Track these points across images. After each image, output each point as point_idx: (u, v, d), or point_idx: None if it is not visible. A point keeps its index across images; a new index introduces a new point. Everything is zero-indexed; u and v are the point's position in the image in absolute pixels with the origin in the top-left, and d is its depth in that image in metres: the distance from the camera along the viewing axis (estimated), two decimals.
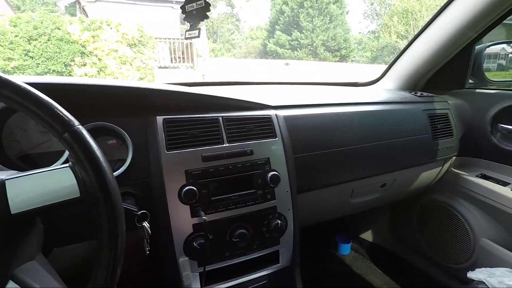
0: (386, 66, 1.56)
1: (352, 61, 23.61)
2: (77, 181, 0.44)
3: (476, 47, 1.35)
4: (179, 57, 9.28)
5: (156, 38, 8.40)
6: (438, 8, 1.24)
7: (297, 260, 0.92)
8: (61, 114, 0.42)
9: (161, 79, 8.18)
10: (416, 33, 1.35)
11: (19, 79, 0.42)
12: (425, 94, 1.35)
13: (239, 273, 0.84)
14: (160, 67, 8.73)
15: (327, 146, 0.97)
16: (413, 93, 1.36)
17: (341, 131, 1.01)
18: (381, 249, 1.76)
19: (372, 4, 26.88)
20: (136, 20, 7.79)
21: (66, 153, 0.69)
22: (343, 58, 22.60)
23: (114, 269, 0.43)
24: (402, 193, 1.41)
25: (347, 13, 23.05)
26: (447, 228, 1.40)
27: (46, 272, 0.47)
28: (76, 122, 0.43)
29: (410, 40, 1.38)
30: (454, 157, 1.38)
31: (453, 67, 1.38)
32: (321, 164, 0.97)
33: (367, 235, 1.85)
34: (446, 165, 1.38)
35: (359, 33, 29.95)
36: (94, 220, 0.44)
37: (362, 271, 1.64)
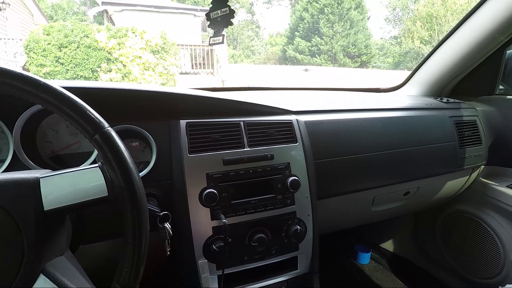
0: (408, 72, 1.53)
1: (373, 67, 23.20)
2: (105, 181, 0.46)
3: (508, 51, 1.30)
4: (199, 63, 9.49)
5: (178, 45, 8.65)
6: (465, 12, 1.20)
7: (316, 268, 0.90)
8: (92, 116, 0.44)
9: (182, 85, 8.37)
10: (441, 38, 1.32)
11: (56, 83, 0.44)
12: (451, 100, 1.31)
13: (257, 278, 0.84)
14: (181, 73, 8.96)
15: (349, 152, 0.96)
16: (438, 99, 1.32)
17: (363, 137, 0.99)
18: (402, 260, 1.70)
19: (394, 9, 26.38)
20: (159, 28, 8.06)
21: (94, 154, 0.72)
22: (363, 64, 22.25)
23: (137, 268, 0.44)
24: (426, 203, 1.36)
25: (368, 18, 22.76)
26: (475, 241, 1.34)
27: (74, 267, 0.49)
28: (106, 124, 0.45)
29: (435, 45, 1.34)
30: (482, 166, 1.32)
31: (482, 73, 1.33)
32: (342, 170, 0.96)
33: (388, 245, 1.79)
34: (474, 174, 1.32)
35: (381, 38, 29.46)
36: (119, 220, 0.45)
37: (382, 282, 1.59)
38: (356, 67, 21.28)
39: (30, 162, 0.65)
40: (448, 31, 1.27)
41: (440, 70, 1.35)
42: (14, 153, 0.65)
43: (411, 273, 1.63)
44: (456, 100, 1.32)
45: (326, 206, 0.96)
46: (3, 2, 8.32)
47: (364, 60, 22.10)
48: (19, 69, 0.43)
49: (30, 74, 0.42)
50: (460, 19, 1.21)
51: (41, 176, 0.45)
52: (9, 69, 0.41)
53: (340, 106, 1.05)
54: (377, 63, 24.41)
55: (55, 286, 0.43)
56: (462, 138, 1.19)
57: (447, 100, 1.31)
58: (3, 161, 0.66)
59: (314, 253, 0.89)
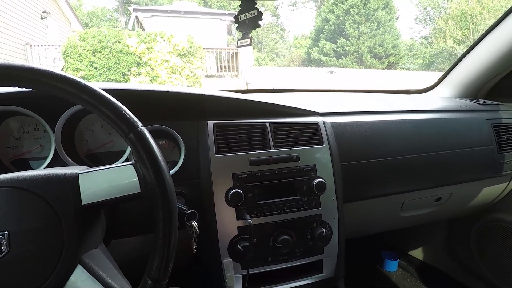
0: (440, 74, 1.46)
1: (401, 68, 22.38)
2: (138, 178, 0.48)
3: None
4: (224, 66, 9.63)
5: (204, 48, 8.83)
6: (504, 10, 1.13)
7: (342, 272, 0.88)
8: (128, 116, 0.47)
9: (207, 87, 8.53)
10: (477, 37, 1.25)
11: (95, 85, 0.47)
12: (488, 102, 1.23)
13: (281, 280, 0.84)
14: (206, 76, 9.14)
15: (377, 155, 0.93)
16: (474, 100, 1.25)
17: (392, 140, 0.96)
18: (433, 269, 1.62)
19: (425, 8, 25.31)
20: (186, 32, 8.28)
21: (127, 153, 0.75)
22: (391, 65, 21.52)
23: (167, 263, 0.45)
24: (460, 210, 1.29)
25: (397, 18, 22.01)
26: None
27: (107, 260, 0.52)
28: (140, 124, 0.47)
29: (471, 44, 1.27)
30: None
31: None
32: (370, 173, 0.93)
33: (417, 253, 1.71)
34: None
35: (410, 38, 28.34)
36: (149, 217, 0.47)
37: None
38: (383, 68, 20.63)
39: (69, 159, 0.70)
40: (485, 30, 1.21)
41: (477, 70, 1.28)
42: (55, 150, 0.69)
43: (442, 283, 1.55)
44: (494, 102, 1.24)
45: (353, 210, 0.94)
46: (44, 11, 8.93)
47: (392, 61, 21.36)
48: None
49: (72, 76, 0.45)
50: (499, 16, 1.15)
51: (80, 172, 0.48)
52: (55, 72, 0.44)
53: (368, 108, 1.03)
54: (406, 64, 23.51)
55: (90, 276, 0.45)
56: (501, 142, 1.12)
57: (484, 101, 1.23)
58: (45, 158, 0.70)
59: (339, 257, 0.87)
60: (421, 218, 1.20)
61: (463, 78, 1.34)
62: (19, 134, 0.75)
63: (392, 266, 1.66)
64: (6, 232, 0.41)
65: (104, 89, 0.47)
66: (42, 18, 9.03)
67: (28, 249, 0.42)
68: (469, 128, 1.09)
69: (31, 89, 0.45)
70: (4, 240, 0.41)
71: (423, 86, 1.52)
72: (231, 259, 0.76)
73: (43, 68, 0.43)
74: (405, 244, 1.76)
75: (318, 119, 0.89)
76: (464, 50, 1.32)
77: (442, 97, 1.38)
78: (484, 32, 1.21)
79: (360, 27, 20.41)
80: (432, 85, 1.48)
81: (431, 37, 23.18)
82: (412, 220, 1.18)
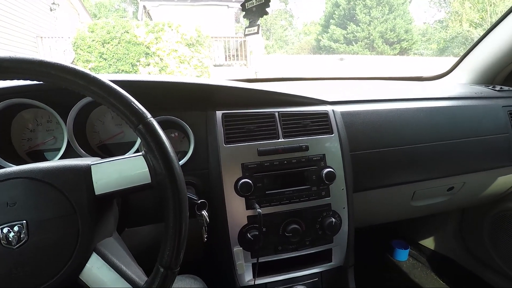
0: (455, 59, 1.41)
1: (414, 54, 21.73)
2: (148, 168, 0.49)
3: None
4: (233, 55, 9.54)
5: (212, 37, 8.75)
6: None
7: (351, 261, 0.89)
8: (137, 107, 0.47)
9: (216, 77, 8.50)
10: (495, 19, 1.19)
11: (104, 77, 0.47)
12: (505, 88, 1.19)
13: (291, 268, 0.85)
14: (215, 65, 9.08)
15: (387, 144, 0.92)
16: (490, 87, 1.21)
17: (403, 129, 0.95)
18: (444, 259, 1.61)
19: None
20: (194, 20, 8.21)
21: (137, 144, 0.76)
22: (404, 51, 20.89)
23: (178, 251, 0.46)
24: (473, 199, 1.27)
25: (410, 2, 21.25)
26: None
27: (121, 248, 0.53)
28: (149, 115, 0.48)
29: (488, 27, 1.22)
30: None
31: None
32: (381, 162, 0.92)
33: (428, 242, 1.70)
34: None
35: (424, 23, 27.38)
36: (160, 206, 0.48)
37: (421, 280, 1.52)
38: (395, 54, 20.07)
39: (82, 150, 0.71)
40: (504, 11, 1.15)
41: (493, 55, 1.23)
42: (68, 142, 0.71)
43: (454, 273, 1.54)
44: (511, 88, 1.20)
45: (363, 199, 0.93)
46: (53, 3, 8.97)
47: (405, 46, 20.71)
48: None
49: (81, 68, 0.45)
50: None
51: (92, 163, 0.49)
52: (64, 64, 0.44)
53: (379, 96, 1.01)
54: (419, 50, 22.80)
55: (105, 263, 0.47)
56: None
57: (501, 88, 1.19)
58: (59, 149, 0.72)
59: (349, 246, 0.87)
60: (433, 208, 1.18)
61: (479, 64, 1.29)
62: (33, 126, 0.76)
63: (402, 255, 1.66)
64: (24, 222, 0.43)
65: (113, 81, 0.47)
66: (51, 10, 9.08)
67: (46, 237, 0.43)
68: (485, 115, 1.06)
69: (42, 82, 0.45)
70: (23, 229, 0.42)
71: (437, 72, 1.48)
72: (241, 248, 0.77)
73: (53, 61, 0.44)
74: (416, 233, 1.75)
75: (328, 108, 0.88)
76: (481, 34, 1.26)
77: (457, 84, 1.34)
78: (502, 14, 1.16)
79: (371, 11, 19.81)
80: (446, 71, 1.44)
81: (446, 20, 22.33)
82: (424, 209, 1.17)
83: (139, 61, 7.72)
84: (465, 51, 1.35)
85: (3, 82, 0.66)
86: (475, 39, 1.31)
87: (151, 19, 10.99)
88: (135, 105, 0.47)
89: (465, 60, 1.35)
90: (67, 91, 0.47)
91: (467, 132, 1.01)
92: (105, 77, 0.48)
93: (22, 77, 0.44)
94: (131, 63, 7.71)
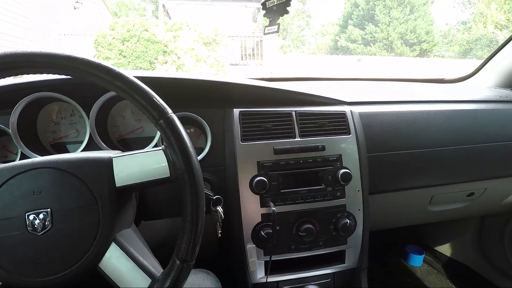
0: (478, 62, 1.36)
1: (435, 56, 21.11)
2: (168, 163, 0.50)
3: None
4: (249, 54, 9.55)
5: (228, 36, 8.79)
6: None
7: (365, 264, 0.88)
8: (158, 103, 0.48)
9: (233, 76, 8.51)
10: None
11: (128, 73, 0.48)
12: None
13: (303, 268, 0.85)
14: (231, 64, 9.12)
15: (406, 147, 0.90)
16: None
17: (423, 131, 0.92)
18: (461, 266, 1.56)
19: None
20: (211, 19, 8.27)
21: (156, 139, 0.78)
22: (424, 53, 20.33)
23: (194, 245, 0.47)
24: (494, 206, 1.22)
25: (431, 3, 20.66)
26: None
27: (138, 239, 0.55)
28: (169, 111, 0.49)
29: None
30: None
31: None
32: (398, 165, 0.90)
33: (444, 249, 1.65)
34: None
35: (446, 24, 26.54)
36: (177, 201, 0.49)
37: (436, 287, 1.48)
38: (415, 56, 19.56)
39: (103, 144, 0.73)
40: None
41: None
42: (90, 135, 0.73)
43: (470, 281, 1.49)
44: None
45: (379, 202, 0.92)
46: (77, 1, 9.25)
47: (425, 48, 20.15)
48: None
49: (107, 63, 0.47)
50: None
51: (113, 156, 0.50)
52: (91, 60, 0.46)
53: (398, 97, 0.99)
54: (441, 52, 22.12)
55: (123, 253, 0.48)
56: None
57: None
58: (81, 142, 0.75)
59: (363, 249, 0.86)
60: (451, 214, 1.15)
61: (505, 67, 1.25)
62: (57, 119, 0.79)
63: (417, 261, 1.62)
64: (49, 210, 0.45)
65: (136, 77, 0.49)
66: (75, 8, 9.37)
67: (69, 226, 0.45)
68: (510, 120, 1.02)
69: (69, 76, 0.47)
70: (48, 217, 0.44)
71: (459, 75, 1.43)
72: (254, 245, 0.78)
73: (80, 56, 0.45)
74: (432, 238, 1.70)
75: (345, 108, 0.87)
76: (507, 36, 1.22)
77: (480, 87, 1.29)
78: None
79: (391, 12, 19.38)
80: (470, 74, 1.39)
81: (469, 22, 21.59)
82: (441, 215, 1.14)
83: (156, 59, 7.84)
84: (490, 53, 1.30)
85: (32, 76, 0.69)
86: (501, 42, 1.26)
87: (170, 17, 11.16)
88: (157, 100, 0.48)
89: (490, 63, 1.30)
90: (90, 86, 0.49)
91: (491, 137, 0.98)
92: (129, 72, 0.50)
93: (52, 71, 0.45)
94: (149, 60, 7.85)
